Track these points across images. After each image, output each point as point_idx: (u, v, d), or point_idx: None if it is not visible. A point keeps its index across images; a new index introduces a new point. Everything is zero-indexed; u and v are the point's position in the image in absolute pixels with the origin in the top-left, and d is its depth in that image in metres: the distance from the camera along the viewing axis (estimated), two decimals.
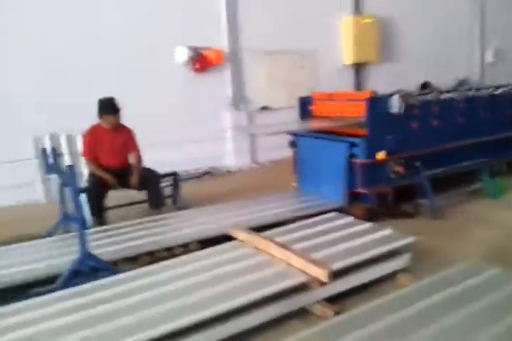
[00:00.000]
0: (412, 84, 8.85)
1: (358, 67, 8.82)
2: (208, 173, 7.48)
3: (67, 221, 4.55)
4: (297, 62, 8.13)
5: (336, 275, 2.99)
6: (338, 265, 2.96)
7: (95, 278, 3.22)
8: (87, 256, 3.45)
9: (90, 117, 4.92)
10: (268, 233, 3.64)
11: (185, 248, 3.90)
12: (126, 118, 6.64)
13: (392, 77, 8.96)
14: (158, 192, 5.05)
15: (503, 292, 2.85)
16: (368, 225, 3.72)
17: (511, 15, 10.92)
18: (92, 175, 4.90)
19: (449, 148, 5.10)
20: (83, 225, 3.55)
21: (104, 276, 3.26)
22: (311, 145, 5.25)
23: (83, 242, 3.44)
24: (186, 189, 6.58)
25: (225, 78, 7.63)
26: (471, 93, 5.40)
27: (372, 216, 4.60)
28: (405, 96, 4.65)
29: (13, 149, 5.96)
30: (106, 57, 6.56)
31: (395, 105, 4.57)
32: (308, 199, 5.04)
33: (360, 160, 4.60)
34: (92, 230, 4.40)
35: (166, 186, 5.57)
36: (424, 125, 4.95)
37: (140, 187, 5.01)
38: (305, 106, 5.54)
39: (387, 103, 4.61)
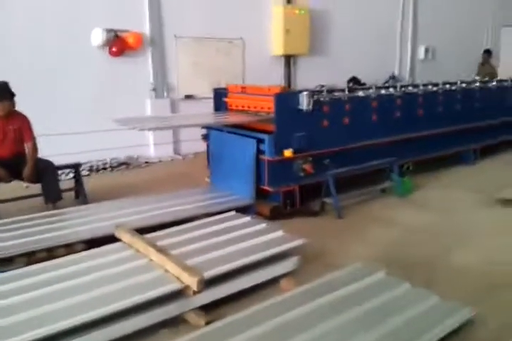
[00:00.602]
0: (341, 79, 8.88)
1: (289, 59, 8.69)
2: (125, 164, 7.14)
3: None
4: (223, 50, 7.89)
5: (215, 280, 2.87)
6: (212, 272, 2.82)
7: None
8: None
9: None
10: (154, 235, 3.44)
11: (69, 248, 3.64)
12: (41, 105, 6.29)
13: (321, 70, 8.93)
14: (54, 185, 4.70)
15: (385, 296, 2.84)
16: (261, 226, 3.61)
17: (443, 14, 11.16)
18: None
19: (359, 146, 5.10)
20: None
21: None
22: (223, 139, 5.08)
23: None
24: (97, 180, 6.32)
25: (146, 64, 7.27)
26: (385, 90, 5.42)
27: (278, 214, 4.54)
28: (314, 93, 4.56)
29: None
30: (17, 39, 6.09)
31: (304, 102, 4.48)
32: (217, 195, 4.88)
33: (267, 157, 4.49)
34: None
35: (67, 178, 5.26)
36: (335, 123, 4.90)
37: (35, 179, 4.68)
38: (220, 98, 5.35)
39: (295, 99, 4.50)
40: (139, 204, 4.57)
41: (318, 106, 4.68)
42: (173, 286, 2.68)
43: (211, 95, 5.60)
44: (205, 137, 5.33)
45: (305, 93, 4.46)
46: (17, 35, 6.15)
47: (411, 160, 5.66)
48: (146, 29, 7.11)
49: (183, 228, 3.63)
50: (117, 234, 3.43)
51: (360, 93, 5.12)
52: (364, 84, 8.64)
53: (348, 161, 4.94)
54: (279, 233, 3.46)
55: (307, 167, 4.65)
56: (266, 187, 4.57)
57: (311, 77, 8.71)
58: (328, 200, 4.65)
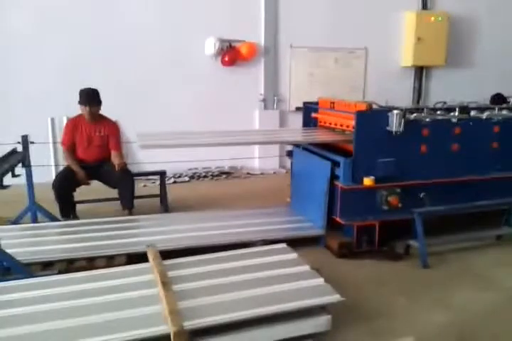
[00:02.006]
0: (485, 96, 7.54)
1: (421, 71, 7.68)
2: (226, 173, 7.06)
3: (34, 209, 4.48)
4: (343, 60, 7.29)
5: (218, 329, 2.42)
6: (203, 321, 2.36)
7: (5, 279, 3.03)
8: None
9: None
10: (178, 261, 3.12)
11: (110, 260, 3.54)
12: (152, 113, 6.57)
13: (461, 84, 7.69)
14: (128, 193, 4.71)
15: None
16: (304, 268, 3.01)
17: None
18: (65, 167, 4.76)
19: (469, 180, 4.10)
20: None
21: (15, 278, 3.03)
22: (303, 158, 4.56)
23: None
24: (190, 188, 6.32)
25: (259, 74, 7.08)
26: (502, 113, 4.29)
27: (348, 252, 3.86)
28: (408, 112, 3.77)
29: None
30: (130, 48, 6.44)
31: (393, 122, 3.73)
32: (288, 220, 4.41)
33: (341, 184, 3.85)
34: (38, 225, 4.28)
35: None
36: (438, 149, 4.00)
37: (116, 183, 4.78)
38: (309, 113, 4.84)
39: (383, 119, 3.77)
40: (206, 219, 4.39)
41: (415, 128, 3.87)
42: (156, 330, 2.31)
43: None
44: (290, 154, 4.87)
45: (395, 112, 3.70)
46: (128, 44, 6.46)
47: None
48: (260, 39, 6.93)
49: (215, 256, 3.23)
50: (148, 254, 3.20)
51: (475, 113, 4.12)
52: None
53: (451, 197, 4.01)
54: (319, 281, 2.84)
55: (393, 200, 3.86)
56: (337, 219, 3.93)
57: (447, 91, 7.56)
58: (413, 243, 3.81)
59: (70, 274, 3.06)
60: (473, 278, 3.47)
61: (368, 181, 3.80)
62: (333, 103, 4.42)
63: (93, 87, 4.77)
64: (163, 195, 5.29)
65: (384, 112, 3.76)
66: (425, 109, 3.93)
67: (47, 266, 3.46)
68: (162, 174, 5.32)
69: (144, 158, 6.71)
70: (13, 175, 3.88)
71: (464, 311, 3.00)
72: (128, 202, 4.75)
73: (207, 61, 6.77)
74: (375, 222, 3.90)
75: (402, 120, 3.70)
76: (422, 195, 3.99)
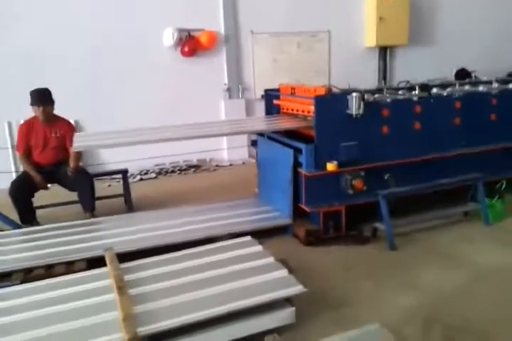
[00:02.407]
0: (449, 72, 7.52)
1: (384, 51, 7.60)
2: (194, 167, 6.91)
3: None
4: (306, 44, 7.17)
5: (178, 330, 2.32)
6: (156, 326, 2.26)
7: None
8: None
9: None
10: (137, 263, 3.00)
11: (70, 266, 3.39)
12: (110, 107, 6.36)
13: (425, 62, 7.67)
14: (88, 195, 4.54)
15: None
16: (268, 261, 2.92)
17: None
18: (22, 172, 4.56)
19: (434, 158, 4.05)
20: None
21: None
22: (267, 147, 4.46)
23: None
24: (158, 185, 6.17)
25: (221, 63, 6.91)
26: (471, 88, 4.25)
27: (314, 240, 3.79)
28: (367, 93, 3.68)
29: None
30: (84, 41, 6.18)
31: (353, 106, 3.64)
32: (255, 211, 4.32)
33: (304, 172, 3.76)
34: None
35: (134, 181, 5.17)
36: (400, 129, 3.94)
37: (74, 185, 4.60)
38: (270, 100, 4.72)
39: (342, 103, 3.68)
40: (171, 217, 4.27)
41: (375, 110, 3.80)
42: (110, 339, 2.20)
43: None
44: (254, 143, 4.75)
45: (354, 94, 3.61)
46: (85, 34, 6.19)
47: (505, 177, 4.39)
48: (220, 27, 6.74)
49: (177, 255, 3.11)
50: (106, 258, 3.07)
51: (436, 90, 4.06)
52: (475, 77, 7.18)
53: (416, 177, 3.97)
54: (282, 273, 2.75)
55: (358, 183, 3.79)
56: (303, 207, 3.85)
57: (412, 70, 7.49)
58: (380, 226, 3.76)
59: (27, 284, 2.92)
60: (440, 257, 3.45)
61: (331, 166, 3.72)
62: (294, 89, 4.31)
63: (49, 85, 4.58)
64: (126, 194, 5.13)
65: (343, 95, 3.67)
66: (385, 90, 3.85)
67: (4, 277, 3.31)
68: (124, 172, 5.15)
69: (108, 158, 6.53)
70: None
71: (432, 292, 2.96)
72: (88, 204, 4.58)
73: (166, 52, 6.56)
74: (341, 207, 3.83)
75: (361, 102, 3.61)
76: (386, 176, 3.93)
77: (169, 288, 2.66)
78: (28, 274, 3.32)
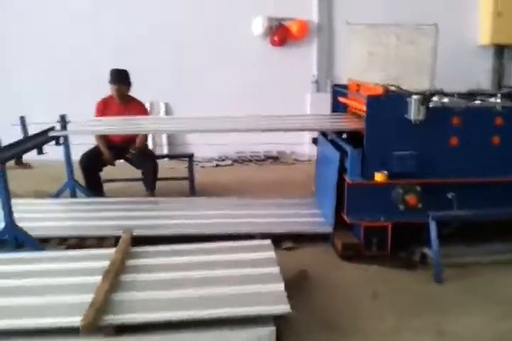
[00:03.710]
0: None
1: (501, 50, 6.59)
2: (272, 158, 6.77)
3: (73, 185, 4.66)
4: (408, 38, 6.50)
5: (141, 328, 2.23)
6: (119, 318, 2.18)
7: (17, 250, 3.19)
8: (11, 226, 3.34)
9: None
10: (146, 249, 2.97)
11: (101, 241, 3.51)
12: (195, 95, 6.48)
13: None
14: (149, 174, 4.72)
15: None
16: (272, 270, 2.68)
17: None
18: (94, 147, 4.82)
19: (510, 181, 3.39)
20: (7, 195, 3.41)
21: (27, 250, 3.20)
22: (324, 147, 4.13)
23: (9, 212, 3.34)
24: (230, 172, 6.16)
25: (311, 54, 6.61)
26: None
27: (353, 255, 3.43)
28: (429, 97, 3.17)
29: None
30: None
31: (412, 109, 3.16)
32: (306, 213, 4.06)
33: (348, 179, 3.39)
34: (60, 201, 4.41)
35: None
36: (472, 142, 3.34)
37: (138, 164, 4.79)
38: (336, 96, 4.35)
39: (401, 105, 3.21)
40: (219, 206, 4.23)
41: (443, 117, 3.27)
42: (66, 322, 2.17)
43: None
44: (315, 141, 4.45)
45: (415, 97, 3.13)
46: (172, 27, 6.34)
47: None
48: (312, 16, 6.43)
49: (190, 248, 3.01)
50: (120, 240, 3.09)
51: None
52: None
53: (488, 200, 3.35)
54: (278, 287, 2.50)
55: (411, 199, 3.31)
56: (345, 217, 3.49)
57: None
58: (428, 252, 3.26)
59: (29, 253, 3.06)
60: (494, 302, 2.84)
61: (379, 176, 3.30)
62: (359, 86, 3.91)
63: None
64: (190, 178, 5.19)
65: (401, 97, 3.21)
66: (456, 94, 3.29)
67: (43, 242, 3.53)
68: (190, 157, 5.21)
69: (192, 140, 6.70)
70: (39, 153, 4.00)
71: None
72: (148, 183, 4.75)
73: (255, 41, 6.46)
74: (387, 223, 3.40)
75: (422, 107, 3.12)
76: (450, 195, 3.38)
77: (161, 281, 2.58)
78: (62, 242, 3.52)
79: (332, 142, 3.92)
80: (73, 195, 4.65)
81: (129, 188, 5.07)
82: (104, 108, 4.81)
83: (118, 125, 4.25)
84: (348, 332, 2.52)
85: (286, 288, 2.83)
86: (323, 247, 3.65)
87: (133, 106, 4.81)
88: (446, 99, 3.48)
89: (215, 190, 5.25)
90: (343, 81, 6.67)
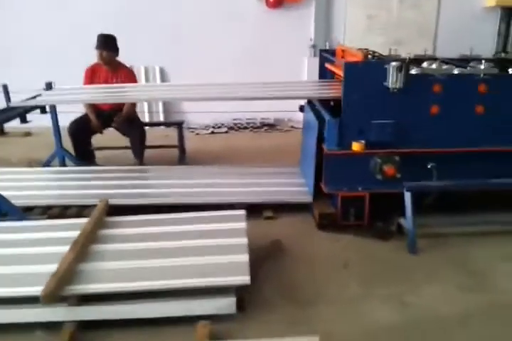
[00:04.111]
0: None
1: (509, 12, 6.26)
2: (267, 125, 6.70)
3: (62, 154, 4.71)
4: (411, 0, 6.23)
5: (108, 297, 2.30)
6: (80, 288, 2.24)
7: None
8: None
9: None
10: (121, 219, 3.01)
11: (82, 211, 3.54)
12: (194, 57, 6.35)
13: None
14: (136, 142, 4.70)
15: None
16: (239, 241, 2.70)
17: None
18: (83, 115, 4.80)
19: (494, 150, 3.30)
20: None
21: (10, 220, 3.20)
22: (307, 115, 4.05)
23: None
24: (224, 140, 6.13)
25: (308, 17, 6.37)
26: None
27: (329, 224, 3.43)
28: (408, 64, 3.04)
29: None
30: None
31: (390, 77, 3.05)
32: (291, 182, 4.04)
33: (325, 148, 3.34)
34: (47, 170, 4.47)
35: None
36: (454, 111, 3.24)
37: (125, 132, 4.78)
38: (322, 62, 4.22)
39: (379, 72, 3.10)
40: (205, 175, 4.22)
41: (424, 84, 3.15)
42: (26, 291, 2.24)
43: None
44: (302, 109, 4.36)
45: (393, 64, 3.02)
46: None
47: None
48: None
49: (163, 218, 3.04)
50: (95, 209, 3.13)
51: None
52: None
53: (469, 171, 3.29)
54: (242, 258, 2.52)
55: (389, 169, 3.26)
56: (322, 187, 3.47)
57: None
58: (404, 222, 3.24)
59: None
60: (463, 273, 2.85)
61: (356, 146, 3.24)
62: (344, 51, 3.78)
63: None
64: (180, 146, 5.17)
65: (379, 64, 3.09)
66: (437, 60, 3.16)
67: (27, 211, 3.59)
68: (179, 124, 5.17)
69: (189, 107, 6.63)
70: (22, 121, 4.01)
71: (422, 315, 2.46)
72: (136, 151, 4.75)
73: (250, 2, 6.24)
74: (364, 193, 3.37)
75: (400, 74, 3.01)
76: (430, 165, 3.32)
77: (128, 251, 2.63)
78: (46, 212, 3.58)
79: (316, 110, 3.84)
80: (62, 164, 4.70)
81: (121, 156, 5.09)
82: (93, 75, 4.76)
83: (104, 93, 4.21)
84: (309, 301, 2.56)
85: (258, 258, 2.91)
86: (303, 217, 3.65)
87: (121, 73, 4.75)
88: (434, 65, 3.39)
89: (205, 158, 5.25)
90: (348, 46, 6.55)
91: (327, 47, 5.65)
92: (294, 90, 4.20)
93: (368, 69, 3.12)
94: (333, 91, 3.79)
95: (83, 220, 2.96)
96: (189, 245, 2.69)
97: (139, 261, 2.53)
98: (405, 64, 3.02)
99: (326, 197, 3.60)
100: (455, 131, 3.26)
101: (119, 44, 4.70)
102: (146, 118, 6.72)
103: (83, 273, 2.39)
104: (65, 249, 2.56)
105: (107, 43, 4.60)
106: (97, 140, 4.97)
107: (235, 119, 6.85)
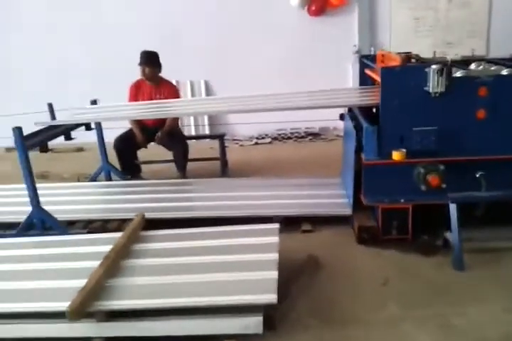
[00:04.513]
0: None
1: None
2: (313, 135, 6.58)
3: (107, 168, 4.85)
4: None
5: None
6: (108, 304, 2.23)
7: (43, 234, 3.34)
8: (37, 210, 3.54)
9: None
10: (154, 233, 3.01)
11: (122, 224, 3.58)
12: (239, 70, 6.37)
13: None
14: (179, 156, 4.76)
15: None
16: (270, 257, 2.60)
17: None
18: (128, 130, 4.92)
19: None
20: (31, 179, 3.56)
21: (53, 234, 3.33)
22: (347, 124, 3.90)
23: (34, 195, 3.52)
24: (268, 151, 6.07)
25: (352, 23, 6.22)
26: None
27: (369, 238, 3.25)
28: (450, 67, 2.83)
29: None
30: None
31: (431, 81, 2.86)
32: (331, 194, 3.90)
33: (364, 158, 3.18)
34: (92, 184, 4.59)
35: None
36: (503, 115, 2.98)
37: (168, 146, 4.84)
38: (363, 68, 4.06)
39: (419, 77, 2.91)
40: (244, 187, 4.19)
41: (469, 88, 2.93)
42: (56, 306, 2.26)
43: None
44: (342, 117, 4.21)
45: (434, 67, 2.82)
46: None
47: None
48: None
49: (197, 231, 3.01)
50: (131, 223, 3.15)
51: None
52: None
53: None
54: (271, 274, 2.42)
55: (433, 179, 3.04)
56: (362, 199, 3.30)
57: None
58: (449, 236, 3.00)
59: (37, 237, 3.19)
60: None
61: (397, 155, 3.06)
62: (383, 56, 3.61)
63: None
64: (222, 158, 5.17)
65: (420, 68, 2.90)
66: (483, 63, 2.92)
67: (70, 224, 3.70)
68: (221, 137, 5.17)
69: (233, 120, 6.67)
70: (66, 138, 4.16)
71: (466, 338, 2.25)
72: (179, 165, 4.81)
73: (292, 12, 6.18)
74: (407, 205, 3.17)
75: (441, 78, 2.81)
76: (478, 174, 3.07)
77: (157, 266, 2.61)
78: (87, 225, 3.66)
79: (355, 118, 3.69)
80: (108, 178, 4.82)
81: (166, 170, 5.15)
82: (137, 91, 4.88)
83: (147, 109, 4.27)
84: (344, 322, 2.41)
85: (292, 273, 2.80)
86: (343, 230, 3.50)
87: (164, 88, 4.84)
88: (481, 67, 3.17)
89: (247, 169, 5.21)
90: (389, 49, 6.32)
91: (371, 53, 5.53)
92: (332, 98, 4.08)
93: (406, 74, 2.95)
94: (372, 98, 3.64)
95: (119, 234, 2.99)
96: (218, 260, 2.63)
97: (166, 276, 2.49)
98: (447, 66, 2.81)
99: (367, 209, 3.41)
100: (504, 136, 3.00)
101: (164, 59, 4.81)
102: (192, 132, 6.82)
103: (111, 289, 2.38)
104: (92, 263, 2.58)
105: (150, 59, 4.70)
106: (144, 154, 5.08)
107: (278, 129, 6.79)
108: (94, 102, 4.59)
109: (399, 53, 3.35)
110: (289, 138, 6.59)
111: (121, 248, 2.74)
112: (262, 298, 2.23)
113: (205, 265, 2.59)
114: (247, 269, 2.50)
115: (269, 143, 6.52)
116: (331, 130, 6.71)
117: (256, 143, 6.50)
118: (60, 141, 3.81)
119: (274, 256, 2.61)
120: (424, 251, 3.09)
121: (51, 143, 3.83)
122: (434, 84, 2.85)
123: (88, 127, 4.32)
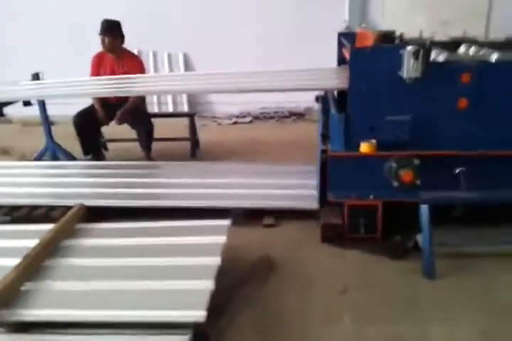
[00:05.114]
0: None
1: None
2: (297, 115, 6.22)
3: (53, 147, 4.51)
4: None
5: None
6: (17, 314, 1.93)
7: None
8: None
9: None
10: (95, 226, 2.68)
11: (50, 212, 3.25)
12: (220, 43, 5.95)
13: None
14: (143, 135, 4.43)
15: None
16: (210, 261, 2.29)
17: None
18: (90, 106, 4.54)
19: None
20: None
21: None
22: (322, 108, 3.54)
23: None
24: (246, 131, 5.72)
25: None
26: None
27: (334, 237, 2.95)
28: (429, 49, 2.45)
29: None
30: None
31: (405, 65, 2.49)
32: (302, 184, 3.57)
33: (329, 149, 2.84)
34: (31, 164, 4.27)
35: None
36: (488, 105, 2.62)
37: (131, 125, 4.50)
38: (340, 48, 3.67)
39: (392, 60, 2.54)
40: (208, 174, 3.82)
41: (450, 74, 2.56)
42: None
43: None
44: (317, 99, 3.84)
45: (408, 49, 2.45)
46: None
47: None
48: None
49: (142, 226, 2.67)
50: (67, 214, 2.82)
51: None
52: None
53: (504, 177, 2.69)
54: (205, 285, 2.11)
55: (406, 174, 2.71)
56: (328, 195, 2.97)
57: None
58: (420, 239, 2.70)
59: None
60: (487, 309, 2.27)
61: (365, 147, 2.72)
62: (362, 35, 3.21)
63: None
64: (192, 139, 4.82)
65: (393, 50, 2.53)
66: (464, 44, 2.55)
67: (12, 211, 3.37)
68: (190, 116, 4.82)
69: (214, 98, 6.32)
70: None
71: None
72: (143, 144, 4.48)
73: None
74: (377, 202, 2.86)
75: (417, 62, 2.43)
76: (457, 170, 2.74)
77: (85, 269, 2.29)
78: (12, 212, 3.31)
79: (327, 103, 3.34)
80: (53, 158, 4.47)
81: (133, 149, 4.81)
82: (99, 63, 4.52)
83: (108, 85, 3.88)
84: (285, 335, 2.13)
85: (239, 278, 2.52)
86: (309, 226, 3.18)
87: (127, 60, 4.46)
88: (471, 50, 2.80)
89: (220, 152, 4.90)
90: (380, 28, 5.89)
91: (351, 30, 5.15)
92: (309, 79, 3.70)
93: (378, 56, 2.57)
94: (338, 80, 3.26)
95: (48, 226, 2.67)
96: (153, 264, 2.31)
97: (92, 282, 2.17)
98: (424, 48, 2.43)
99: (336, 203, 3.11)
100: (488, 129, 2.65)
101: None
102: (170, 109, 6.45)
103: (25, 295, 2.08)
104: (11, 261, 2.27)
105: (110, 28, 4.32)
106: (112, 132, 4.74)
107: (262, 108, 6.42)
108: (36, 76, 4.18)
109: (376, 31, 2.96)
110: (272, 117, 6.24)
111: (47, 244, 2.43)
112: (187, 315, 1.92)
113: (138, 269, 2.28)
114: (182, 277, 2.18)
115: (250, 122, 6.17)
116: (316, 110, 6.34)
117: (235, 122, 6.14)
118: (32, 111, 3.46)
119: (215, 260, 2.29)
120: (393, 254, 2.79)
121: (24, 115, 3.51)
122: (409, 69, 2.48)
123: (26, 103, 3.99)
